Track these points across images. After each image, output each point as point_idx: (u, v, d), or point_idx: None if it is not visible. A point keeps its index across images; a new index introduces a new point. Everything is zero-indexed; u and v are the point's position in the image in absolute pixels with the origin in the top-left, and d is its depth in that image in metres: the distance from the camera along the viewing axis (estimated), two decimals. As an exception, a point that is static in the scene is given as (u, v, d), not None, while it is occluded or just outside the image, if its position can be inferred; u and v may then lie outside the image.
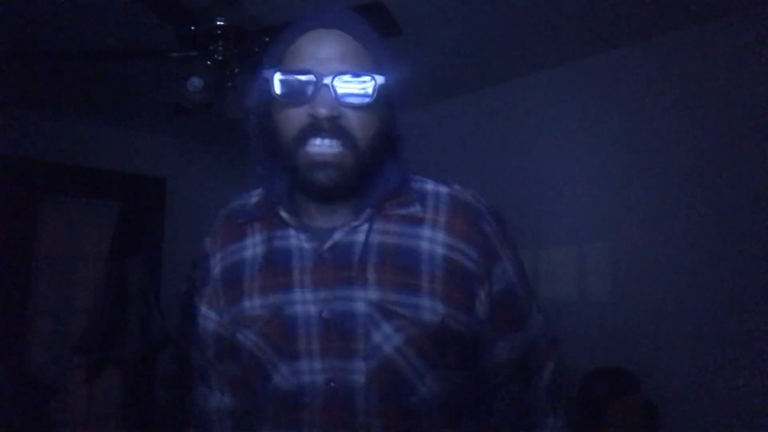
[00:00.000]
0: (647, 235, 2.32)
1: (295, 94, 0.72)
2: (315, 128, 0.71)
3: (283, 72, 0.73)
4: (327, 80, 0.71)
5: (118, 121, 3.49)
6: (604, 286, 2.45)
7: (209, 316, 0.85)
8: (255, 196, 0.86)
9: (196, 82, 1.87)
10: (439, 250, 0.76)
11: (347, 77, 0.72)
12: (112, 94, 2.99)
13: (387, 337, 0.73)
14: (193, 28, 1.87)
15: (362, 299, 0.73)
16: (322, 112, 0.70)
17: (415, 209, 0.79)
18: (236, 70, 1.97)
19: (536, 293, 0.90)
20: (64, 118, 3.31)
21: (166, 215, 3.71)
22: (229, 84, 2.00)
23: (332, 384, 0.73)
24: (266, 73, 0.75)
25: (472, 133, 3.03)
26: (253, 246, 0.81)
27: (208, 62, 1.92)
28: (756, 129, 2.07)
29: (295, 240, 0.78)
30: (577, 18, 2.20)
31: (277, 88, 0.73)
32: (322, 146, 0.71)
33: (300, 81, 0.72)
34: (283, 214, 0.79)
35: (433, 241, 0.77)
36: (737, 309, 2.05)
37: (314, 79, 0.71)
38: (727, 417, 2.02)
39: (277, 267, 0.78)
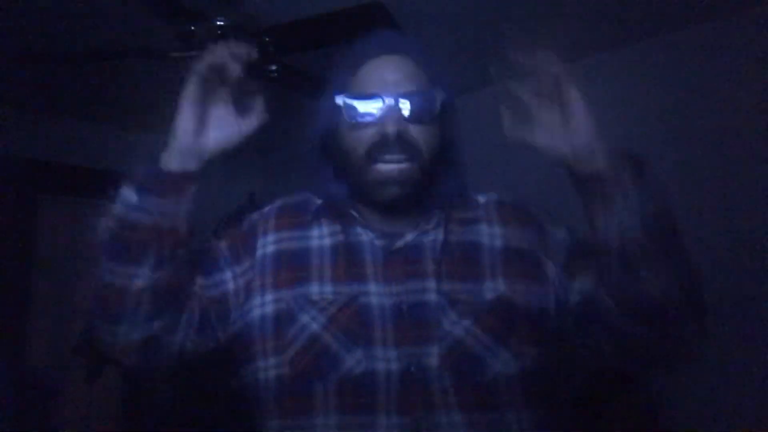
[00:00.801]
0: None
1: (363, 116, 0.81)
2: (384, 145, 0.79)
3: (352, 96, 0.82)
4: (392, 100, 0.79)
5: (118, 121, 3.49)
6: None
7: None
8: (319, 200, 0.92)
9: (196, 82, 1.86)
10: (498, 242, 0.86)
11: (411, 96, 0.80)
12: (112, 94, 2.99)
13: (454, 323, 0.78)
14: (193, 28, 1.87)
15: (432, 290, 0.80)
16: (391, 129, 0.78)
17: (476, 213, 0.89)
18: (236, 70, 1.97)
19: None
20: (64, 118, 3.31)
21: (166, 215, 3.70)
22: (229, 84, 2.00)
23: (410, 369, 0.76)
24: (334, 98, 0.83)
25: (472, 134, 3.02)
26: (320, 237, 0.87)
27: (208, 62, 1.92)
28: (757, 129, 2.08)
29: (365, 237, 0.85)
30: (577, 18, 2.20)
31: (347, 112, 0.82)
32: (390, 162, 0.79)
33: (368, 103, 0.80)
34: (354, 214, 0.86)
35: (491, 235, 0.86)
36: (737, 309, 2.05)
37: (381, 100, 0.80)
38: (727, 417, 2.01)
39: (349, 259, 0.83)
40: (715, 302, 2.08)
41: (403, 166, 0.79)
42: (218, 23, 1.87)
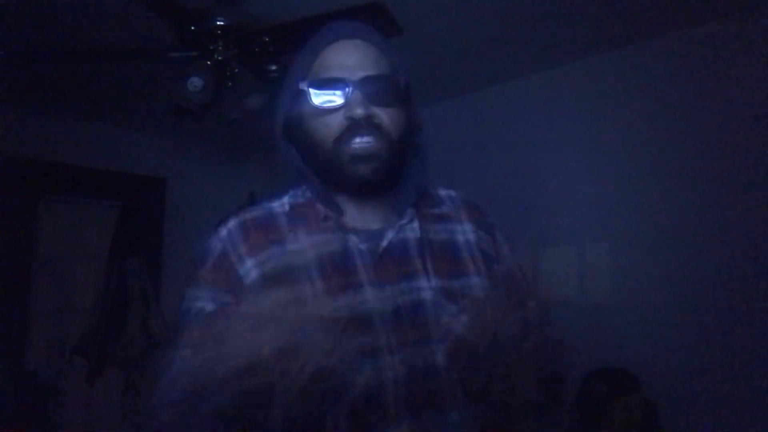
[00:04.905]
0: (647, 235, 2.32)
1: (329, 101, 0.81)
2: (354, 128, 0.79)
3: (317, 82, 0.81)
4: (357, 84, 0.80)
5: (118, 121, 3.49)
6: (604, 286, 2.45)
7: None
8: (281, 205, 0.88)
9: (196, 82, 1.87)
10: (471, 238, 0.88)
11: (376, 79, 0.81)
12: (112, 94, 2.99)
13: (454, 317, 0.79)
14: (193, 28, 1.87)
15: (427, 288, 0.80)
16: (359, 112, 0.78)
17: (445, 208, 0.91)
18: (236, 70, 1.97)
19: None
20: (64, 118, 3.31)
21: (166, 215, 3.71)
22: (229, 84, 2.00)
23: (417, 370, 0.75)
24: (298, 84, 0.83)
25: (472, 133, 3.03)
26: (300, 252, 0.82)
27: (208, 62, 1.92)
28: (757, 129, 2.08)
29: (349, 242, 0.82)
30: (577, 18, 2.20)
31: (313, 98, 0.81)
32: (362, 143, 0.79)
33: (333, 88, 0.80)
34: (331, 216, 0.83)
35: (464, 233, 0.89)
36: (737, 309, 2.05)
37: (346, 84, 0.80)
38: (727, 417, 2.02)
39: (340, 269, 0.79)
40: (721, 301, 2.08)
41: (373, 144, 0.79)
42: (218, 23, 1.87)
